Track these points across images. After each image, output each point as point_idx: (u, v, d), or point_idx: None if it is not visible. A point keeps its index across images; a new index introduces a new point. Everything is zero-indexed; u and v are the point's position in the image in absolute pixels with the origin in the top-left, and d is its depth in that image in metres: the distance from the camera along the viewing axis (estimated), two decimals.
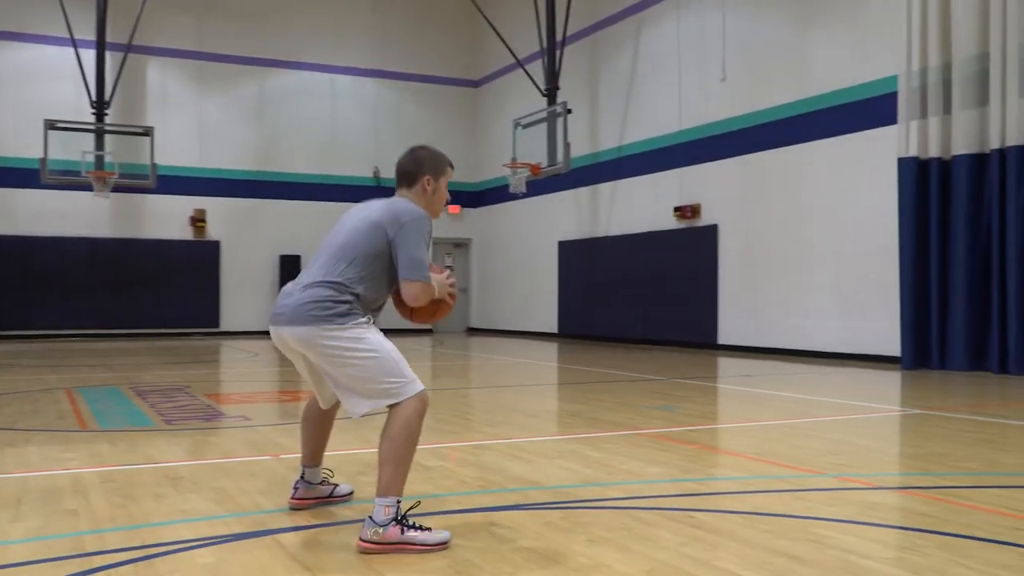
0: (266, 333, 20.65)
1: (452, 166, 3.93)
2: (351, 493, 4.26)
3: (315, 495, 4.12)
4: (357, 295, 3.59)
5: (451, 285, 3.82)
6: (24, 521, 3.85)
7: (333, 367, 3.57)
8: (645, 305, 17.04)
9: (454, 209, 16.96)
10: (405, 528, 3.39)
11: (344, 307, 3.55)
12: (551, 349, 16.39)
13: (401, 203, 3.73)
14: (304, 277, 3.70)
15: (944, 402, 8.31)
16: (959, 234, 11.38)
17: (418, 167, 3.83)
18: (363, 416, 3.62)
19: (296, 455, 5.38)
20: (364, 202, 3.88)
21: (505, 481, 4.66)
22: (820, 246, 13.38)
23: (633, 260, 17.32)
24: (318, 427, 4.13)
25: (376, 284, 3.65)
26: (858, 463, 5.24)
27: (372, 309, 3.70)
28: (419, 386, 3.56)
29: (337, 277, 3.59)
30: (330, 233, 3.82)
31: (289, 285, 3.75)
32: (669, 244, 16.43)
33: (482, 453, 5.46)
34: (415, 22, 23.10)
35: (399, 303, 3.81)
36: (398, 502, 3.43)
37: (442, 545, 3.39)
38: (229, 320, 21.09)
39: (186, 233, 20.76)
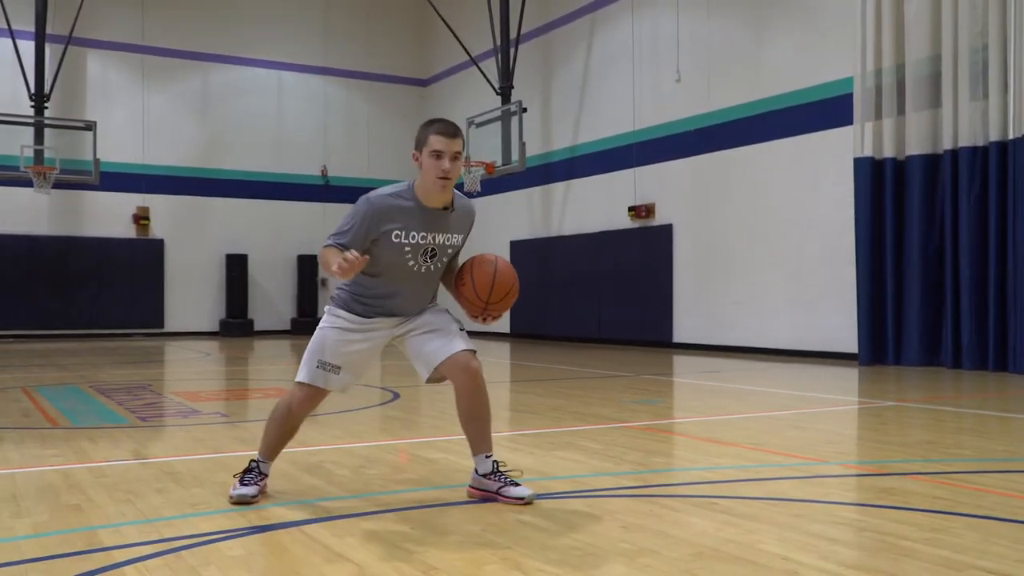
0: (213, 333, 20.41)
1: (440, 131, 3.72)
2: (523, 500, 3.80)
3: (481, 487, 3.92)
4: (353, 290, 3.94)
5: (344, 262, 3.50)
6: (28, 517, 3.68)
7: None
8: (599, 305, 17.10)
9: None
10: (243, 483, 3.95)
11: (336, 291, 4.04)
12: (505, 349, 16.35)
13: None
14: None
15: (911, 395, 8.47)
16: (913, 232, 11.64)
17: (415, 147, 3.84)
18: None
19: (287, 450, 5.28)
20: None
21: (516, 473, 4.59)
22: (775, 245, 13.57)
23: (587, 260, 17.37)
24: (462, 412, 3.95)
25: (371, 274, 3.87)
26: (855, 451, 5.31)
27: (383, 294, 3.90)
28: (306, 376, 3.92)
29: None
30: None
31: None
32: (623, 244, 16.52)
33: None
34: (364, 19, 22.87)
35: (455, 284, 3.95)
36: (259, 462, 4.04)
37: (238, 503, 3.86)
38: (174, 321, 20.61)
39: (129, 231, 20.23)
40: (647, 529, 3.43)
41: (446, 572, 2.92)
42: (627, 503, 3.90)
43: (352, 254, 3.48)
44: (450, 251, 3.94)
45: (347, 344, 3.90)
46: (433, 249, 3.83)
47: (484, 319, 3.86)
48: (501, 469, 3.94)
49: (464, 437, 4.02)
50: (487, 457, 3.93)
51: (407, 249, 3.78)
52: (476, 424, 3.94)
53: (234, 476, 4.05)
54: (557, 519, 3.58)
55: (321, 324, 3.98)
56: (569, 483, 4.32)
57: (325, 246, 3.76)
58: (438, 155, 3.69)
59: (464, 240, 4.02)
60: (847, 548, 3.18)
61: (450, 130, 3.74)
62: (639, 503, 3.89)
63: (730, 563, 2.98)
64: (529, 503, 3.80)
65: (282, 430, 4.03)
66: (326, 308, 4.02)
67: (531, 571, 2.91)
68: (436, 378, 3.96)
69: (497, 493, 3.86)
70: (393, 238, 3.74)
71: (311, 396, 3.94)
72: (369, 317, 3.91)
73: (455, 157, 3.71)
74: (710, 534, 3.34)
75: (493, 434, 5.71)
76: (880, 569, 2.90)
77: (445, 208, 3.84)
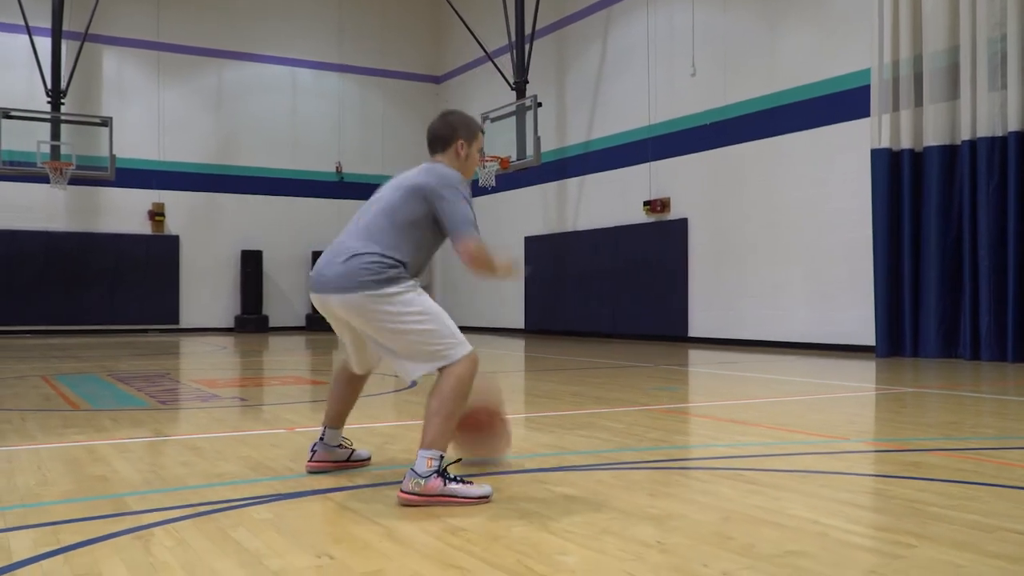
0: (228, 330, 20.51)
1: (483, 131, 3.96)
2: (369, 459, 4.17)
3: (333, 459, 4.02)
4: (403, 262, 3.57)
5: (510, 267, 3.75)
6: (55, 486, 3.70)
7: (383, 334, 3.54)
8: (614, 299, 17.08)
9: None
10: (447, 481, 3.35)
11: (393, 272, 3.52)
12: (521, 343, 16.34)
13: (436, 167, 3.70)
14: (346, 244, 3.62)
15: (929, 382, 8.42)
16: (931, 224, 11.58)
17: (452, 132, 3.81)
18: (416, 380, 3.58)
19: (311, 428, 5.30)
20: (401, 172, 3.85)
21: (537, 447, 4.60)
22: (792, 237, 13.52)
23: (602, 255, 17.35)
24: (349, 388, 4.04)
25: (417, 250, 3.63)
26: (878, 430, 5.28)
27: (416, 273, 3.67)
28: (468, 347, 3.54)
29: (380, 246, 3.55)
30: (369, 201, 3.80)
31: (328, 252, 3.68)
32: (639, 238, 16.49)
33: None
34: (379, 16, 22.91)
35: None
36: (441, 456, 3.39)
37: (484, 499, 3.35)
38: (189, 317, 20.67)
39: (144, 227, 20.30)
40: (674, 496, 3.42)
41: (474, 532, 2.92)
42: (652, 474, 3.89)
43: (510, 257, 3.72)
44: None
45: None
46: None
47: None
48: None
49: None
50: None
51: None
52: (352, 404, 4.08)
53: (450, 497, 3.34)
54: (583, 487, 3.58)
55: (414, 299, 3.52)
56: (593, 457, 4.32)
57: (477, 242, 3.55)
58: (481, 153, 3.91)
59: None
60: (875, 513, 3.17)
61: None
62: (665, 474, 3.89)
63: (759, 526, 2.97)
64: (368, 459, 4.14)
65: (463, 407, 3.58)
66: (401, 286, 3.51)
67: (559, 532, 2.91)
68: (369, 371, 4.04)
69: (348, 460, 4.06)
70: None
71: (476, 360, 3.59)
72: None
73: None
74: (737, 500, 3.33)
75: (517, 415, 5.71)
76: (909, 531, 2.89)
77: None
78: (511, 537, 2.84)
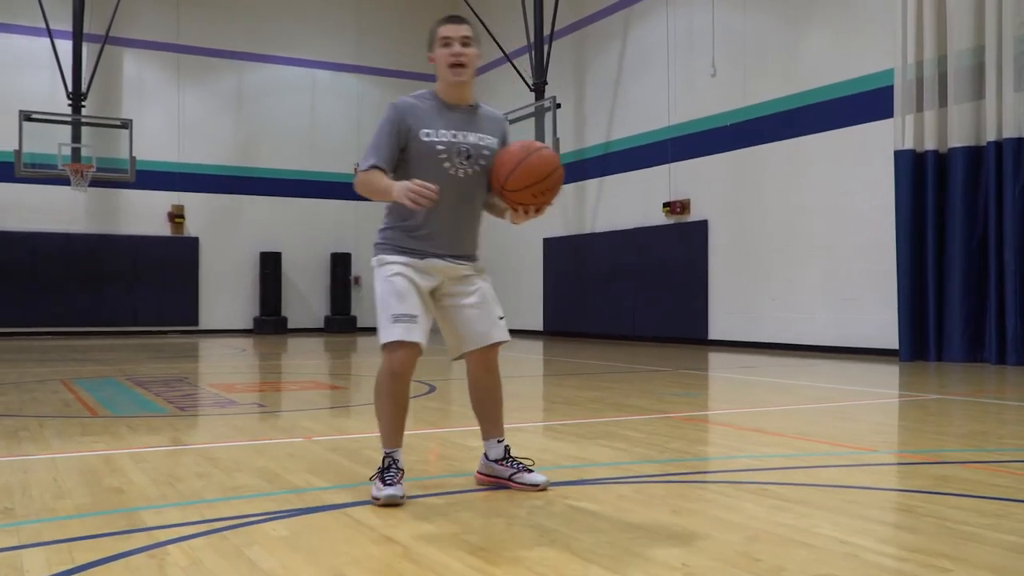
0: (247, 331, 20.53)
1: (445, 21, 3.66)
2: (540, 486, 3.70)
3: (491, 473, 3.81)
4: (391, 221, 3.70)
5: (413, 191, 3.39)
6: (69, 498, 3.66)
7: None
8: (634, 302, 16.98)
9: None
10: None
11: (380, 236, 3.72)
12: (538, 346, 16.27)
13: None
14: None
15: (955, 388, 8.30)
16: (956, 226, 11.43)
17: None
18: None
19: (328, 437, 5.25)
20: None
21: (558, 459, 4.53)
22: (814, 240, 13.38)
23: (621, 256, 17.25)
24: (474, 392, 3.84)
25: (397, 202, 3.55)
26: (906, 441, 5.18)
27: (415, 230, 3.63)
28: (392, 335, 3.52)
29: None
30: None
31: None
32: (658, 240, 16.38)
33: (517, 435, 5.31)
34: (396, 16, 22.90)
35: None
36: (386, 454, 3.62)
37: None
38: (208, 318, 20.73)
39: (164, 229, 20.38)
40: (698, 513, 3.34)
41: (494, 552, 2.85)
42: (675, 488, 3.81)
43: (419, 184, 3.38)
44: (486, 153, 3.65)
45: (410, 290, 3.59)
46: (468, 149, 3.61)
47: (515, 209, 3.59)
48: (513, 455, 3.84)
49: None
50: (499, 442, 3.82)
51: (440, 148, 3.57)
52: (489, 404, 3.83)
53: (371, 479, 3.63)
54: (605, 503, 3.50)
55: (377, 278, 3.66)
56: (614, 469, 4.24)
57: (363, 171, 3.57)
58: (447, 42, 3.60)
59: (500, 146, 3.72)
60: (906, 532, 3.08)
61: (456, 19, 3.67)
62: (687, 488, 3.81)
63: (787, 546, 2.89)
64: (544, 489, 3.70)
65: (394, 403, 3.60)
66: (374, 261, 3.70)
67: (583, 552, 2.84)
68: (460, 357, 3.84)
69: (510, 480, 3.75)
70: (423, 137, 3.57)
71: (406, 355, 3.54)
72: (423, 257, 3.63)
73: (465, 43, 3.60)
74: (763, 518, 3.24)
75: (530, 424, 5.65)
76: (943, 552, 2.80)
77: (470, 106, 3.70)
78: (533, 558, 2.77)
